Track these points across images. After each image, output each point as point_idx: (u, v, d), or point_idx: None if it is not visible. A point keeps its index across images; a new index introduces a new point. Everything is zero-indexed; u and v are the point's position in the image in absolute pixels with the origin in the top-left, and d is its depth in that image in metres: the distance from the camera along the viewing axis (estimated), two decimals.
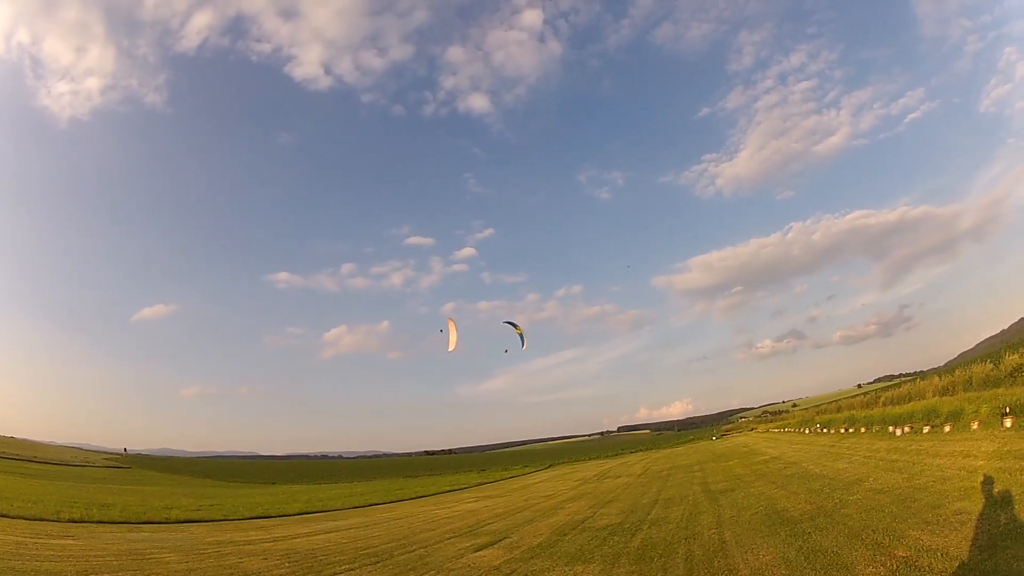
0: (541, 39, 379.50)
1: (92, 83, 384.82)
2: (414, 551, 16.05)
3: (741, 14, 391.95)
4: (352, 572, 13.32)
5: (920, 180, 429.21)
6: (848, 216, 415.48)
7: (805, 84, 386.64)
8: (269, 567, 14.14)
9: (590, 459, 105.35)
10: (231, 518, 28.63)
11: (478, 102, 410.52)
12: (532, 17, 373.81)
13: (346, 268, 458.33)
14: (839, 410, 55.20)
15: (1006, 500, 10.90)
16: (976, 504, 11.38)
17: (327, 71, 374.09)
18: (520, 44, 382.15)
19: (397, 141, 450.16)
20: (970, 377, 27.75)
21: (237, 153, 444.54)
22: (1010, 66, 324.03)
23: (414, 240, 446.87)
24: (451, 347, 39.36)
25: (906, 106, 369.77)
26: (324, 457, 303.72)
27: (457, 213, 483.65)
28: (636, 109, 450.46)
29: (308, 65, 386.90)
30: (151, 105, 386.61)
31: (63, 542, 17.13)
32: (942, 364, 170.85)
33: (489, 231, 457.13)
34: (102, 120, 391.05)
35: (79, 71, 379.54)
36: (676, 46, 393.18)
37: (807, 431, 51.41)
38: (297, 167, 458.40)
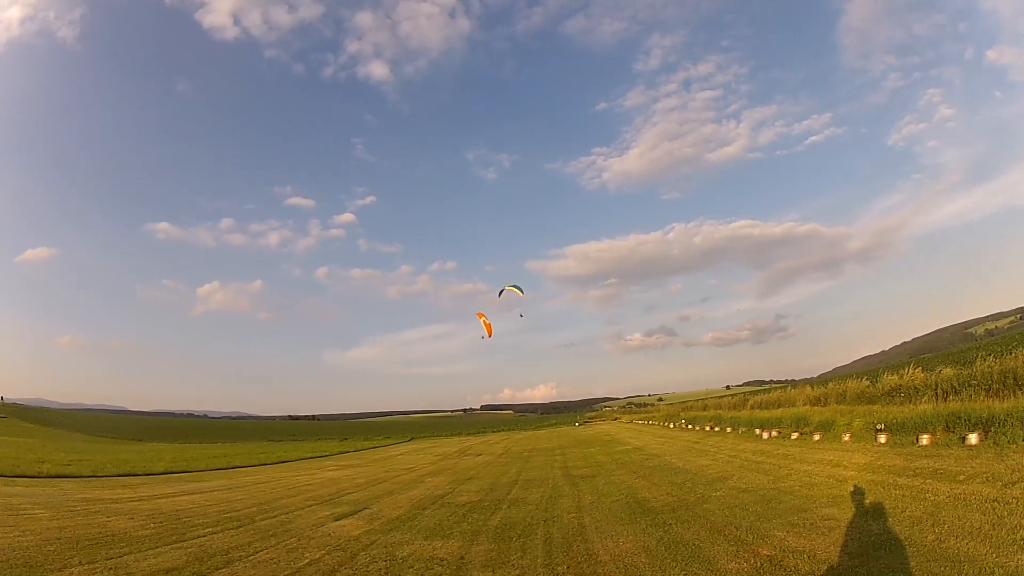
0: (452, 15, 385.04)
1: (14, 12, 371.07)
2: (276, 516, 16.71)
3: (656, 17, 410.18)
4: (215, 535, 13.70)
5: (812, 199, 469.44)
6: (733, 224, 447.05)
7: (709, 93, 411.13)
8: (135, 527, 14.57)
9: (452, 435, 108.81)
10: (99, 475, 29.83)
11: (378, 70, 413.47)
12: None
13: (225, 223, 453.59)
14: (705, 408, 58.38)
15: (879, 511, 11.39)
16: (846, 512, 11.91)
17: (236, 21, 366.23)
18: (430, 17, 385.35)
19: (292, 100, 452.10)
20: (844, 391, 29.57)
21: (135, 96, 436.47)
22: (931, 107, 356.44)
23: (295, 201, 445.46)
24: (488, 335, 41.42)
25: (809, 128, 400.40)
26: (190, 416, 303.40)
27: (341, 178, 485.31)
28: (534, 95, 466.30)
29: (218, 13, 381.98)
30: (62, 39, 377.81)
31: None
32: (815, 376, 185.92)
33: (371, 199, 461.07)
34: (14, 52, 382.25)
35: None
36: (585, 39, 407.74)
37: (672, 426, 53.85)
38: (191, 116, 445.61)
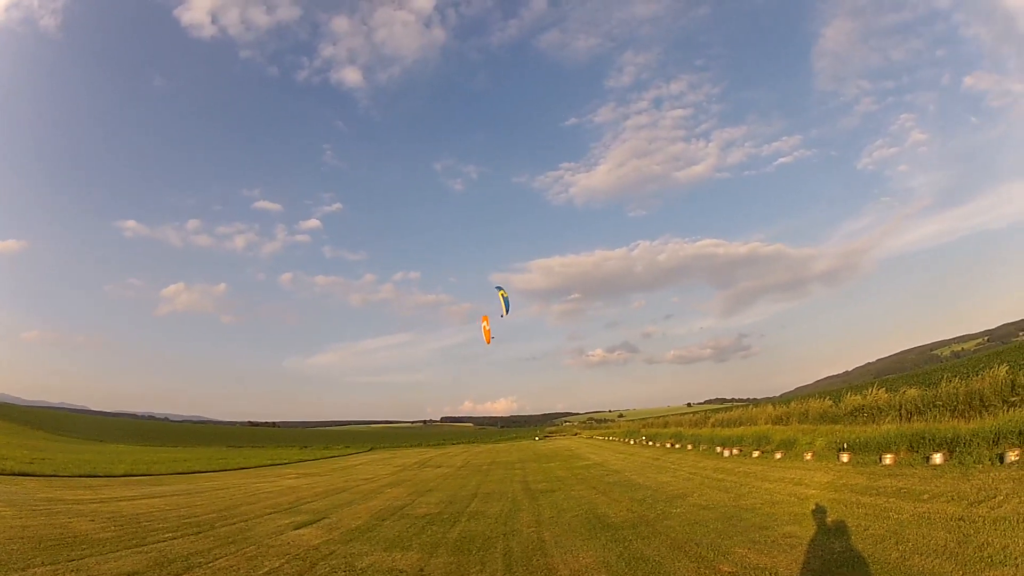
0: (427, 24, 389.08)
1: None
2: (235, 524, 16.74)
3: (631, 34, 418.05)
4: (175, 541, 13.78)
5: (779, 220, 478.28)
6: (698, 243, 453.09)
7: (679, 112, 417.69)
8: (96, 529, 14.72)
9: (411, 446, 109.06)
10: (61, 474, 30.24)
11: (351, 76, 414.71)
12: (424, 1, 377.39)
13: (192, 224, 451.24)
14: (666, 425, 58.73)
15: (841, 529, 11.44)
16: (807, 530, 11.94)
17: (214, 20, 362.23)
18: (406, 25, 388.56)
19: (264, 102, 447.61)
20: (806, 410, 29.88)
21: (112, 90, 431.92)
22: (904, 132, 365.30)
23: (262, 204, 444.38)
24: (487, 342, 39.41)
25: (779, 150, 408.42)
26: (151, 417, 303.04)
27: (309, 183, 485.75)
28: (504, 108, 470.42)
29: (197, 11, 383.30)
30: (44, 28, 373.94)
31: None
32: (777, 395, 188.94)
33: (337, 205, 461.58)
34: None
35: None
36: (559, 54, 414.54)
37: (632, 442, 54.06)
38: (165, 113, 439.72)
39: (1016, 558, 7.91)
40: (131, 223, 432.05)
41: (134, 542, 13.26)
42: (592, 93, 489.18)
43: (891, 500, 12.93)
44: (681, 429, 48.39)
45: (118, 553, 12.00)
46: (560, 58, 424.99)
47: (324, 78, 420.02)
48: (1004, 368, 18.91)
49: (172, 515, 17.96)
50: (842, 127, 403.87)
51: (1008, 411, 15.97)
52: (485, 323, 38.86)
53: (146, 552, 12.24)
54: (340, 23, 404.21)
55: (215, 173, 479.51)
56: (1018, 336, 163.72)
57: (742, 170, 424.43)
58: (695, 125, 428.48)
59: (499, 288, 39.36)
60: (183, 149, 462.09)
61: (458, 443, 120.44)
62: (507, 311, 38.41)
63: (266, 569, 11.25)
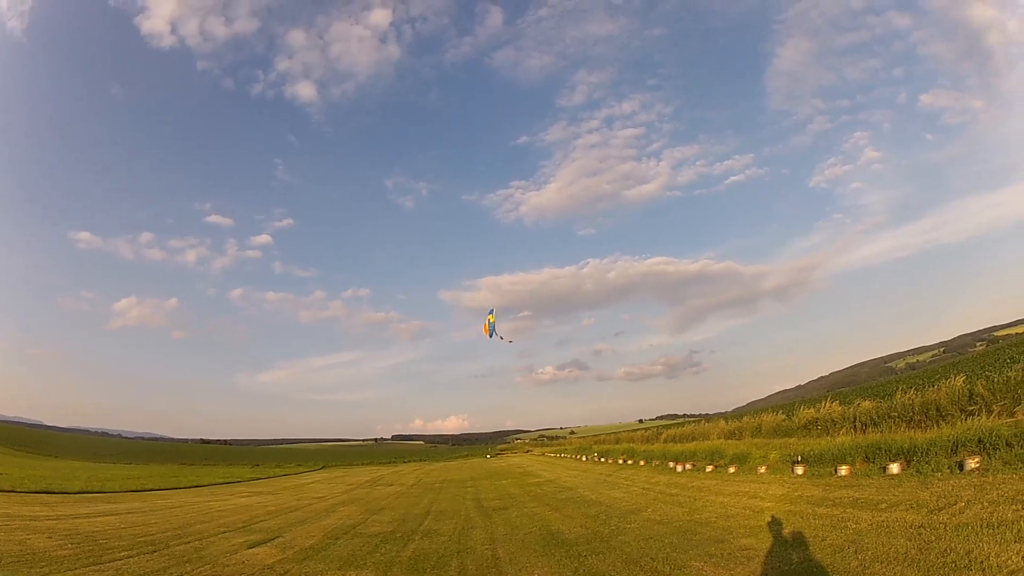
0: (383, 40, 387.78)
1: None
2: (190, 543, 16.78)
3: (585, 53, 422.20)
4: (131, 559, 13.82)
5: (730, 238, 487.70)
6: (648, 261, 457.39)
7: (631, 131, 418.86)
8: (54, 546, 14.87)
9: (363, 464, 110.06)
10: (17, 490, 31.02)
11: (305, 90, 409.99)
12: (381, 16, 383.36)
13: (145, 237, 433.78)
14: (618, 441, 58.92)
15: (798, 540, 11.42)
16: (764, 542, 11.93)
17: (173, 30, 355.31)
18: (361, 41, 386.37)
19: (219, 115, 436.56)
20: (759, 424, 30.22)
21: (71, 97, 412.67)
22: (857, 150, 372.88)
23: (214, 219, 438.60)
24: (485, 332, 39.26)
25: (730, 168, 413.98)
26: (104, 434, 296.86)
27: (261, 198, 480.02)
28: (457, 125, 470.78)
29: (158, 20, 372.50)
30: (11, 30, 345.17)
31: None
32: (729, 410, 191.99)
33: (288, 221, 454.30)
34: None
35: None
36: (512, 72, 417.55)
37: (584, 458, 54.03)
38: (122, 122, 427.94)
39: (982, 562, 7.89)
40: (85, 235, 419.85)
41: (91, 560, 13.35)
42: (544, 112, 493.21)
43: (848, 510, 12.98)
44: (633, 445, 48.47)
45: (76, 571, 12.14)
46: (513, 76, 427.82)
47: (279, 92, 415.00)
48: (961, 378, 19.26)
49: (127, 533, 18.03)
50: (795, 145, 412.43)
51: (966, 420, 16.21)
52: (491, 319, 38.72)
53: (103, 571, 12.34)
54: (296, 37, 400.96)
55: (168, 186, 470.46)
56: (975, 347, 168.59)
57: (693, 189, 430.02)
58: (646, 144, 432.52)
59: (490, 312, 39.36)
60: (138, 160, 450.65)
61: (409, 461, 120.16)
62: (491, 334, 38.33)
63: None
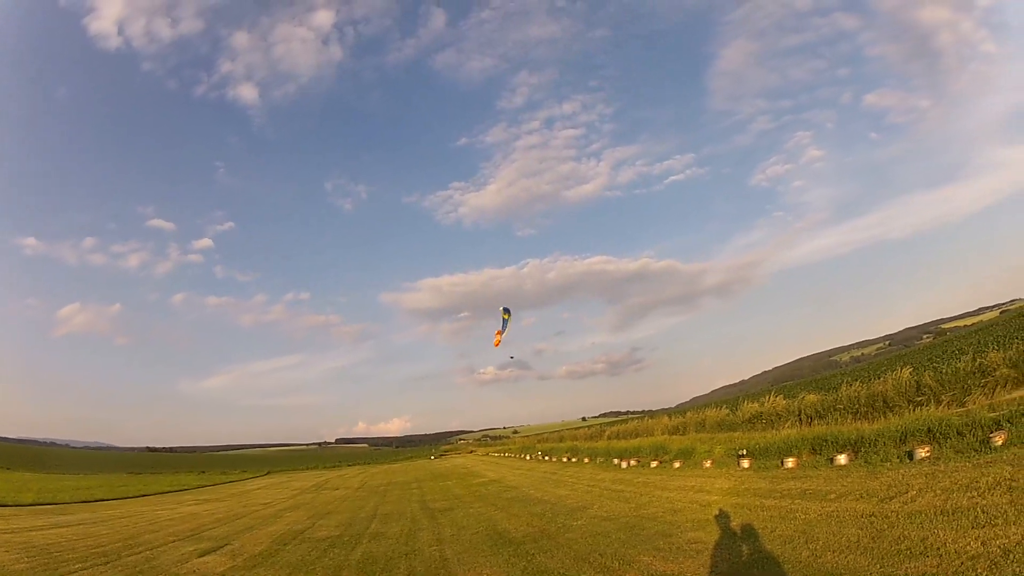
0: (325, 41, 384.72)
1: None
2: (141, 553, 16.97)
3: (526, 55, 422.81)
4: (85, 571, 14.06)
5: (670, 236, 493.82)
6: (588, 260, 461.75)
7: (571, 132, 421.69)
8: (11, 560, 15.32)
9: (308, 469, 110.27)
10: None
11: (248, 92, 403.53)
12: (324, 18, 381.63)
13: (89, 242, 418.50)
14: (562, 440, 59.28)
15: (748, 532, 11.44)
16: (712, 535, 11.93)
17: (120, 31, 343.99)
18: (304, 42, 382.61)
19: (162, 117, 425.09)
20: (703, 420, 30.55)
21: (17, 100, 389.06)
22: (800, 148, 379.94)
23: (156, 223, 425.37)
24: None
25: (670, 167, 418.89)
26: (53, 444, 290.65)
27: (202, 201, 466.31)
28: (396, 127, 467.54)
29: (105, 20, 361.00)
30: None
31: None
32: (673, 406, 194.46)
33: (229, 224, 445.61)
34: None
35: None
36: (453, 74, 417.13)
37: (528, 457, 54.03)
38: (67, 125, 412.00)
39: (939, 549, 7.92)
40: (31, 240, 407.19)
41: (47, 573, 13.74)
42: (485, 114, 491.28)
43: (797, 501, 13.08)
44: (577, 443, 48.73)
45: None
46: (454, 78, 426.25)
47: (221, 94, 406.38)
48: (907, 370, 19.65)
49: (80, 545, 18.30)
50: (736, 145, 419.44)
51: (914, 411, 16.50)
52: (504, 326, 38.23)
53: None
54: (240, 38, 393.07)
55: (112, 189, 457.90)
56: (921, 340, 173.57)
57: (633, 188, 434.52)
58: (586, 144, 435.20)
59: (506, 310, 38.80)
60: (83, 164, 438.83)
61: (354, 464, 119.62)
62: (504, 327, 37.88)
63: None
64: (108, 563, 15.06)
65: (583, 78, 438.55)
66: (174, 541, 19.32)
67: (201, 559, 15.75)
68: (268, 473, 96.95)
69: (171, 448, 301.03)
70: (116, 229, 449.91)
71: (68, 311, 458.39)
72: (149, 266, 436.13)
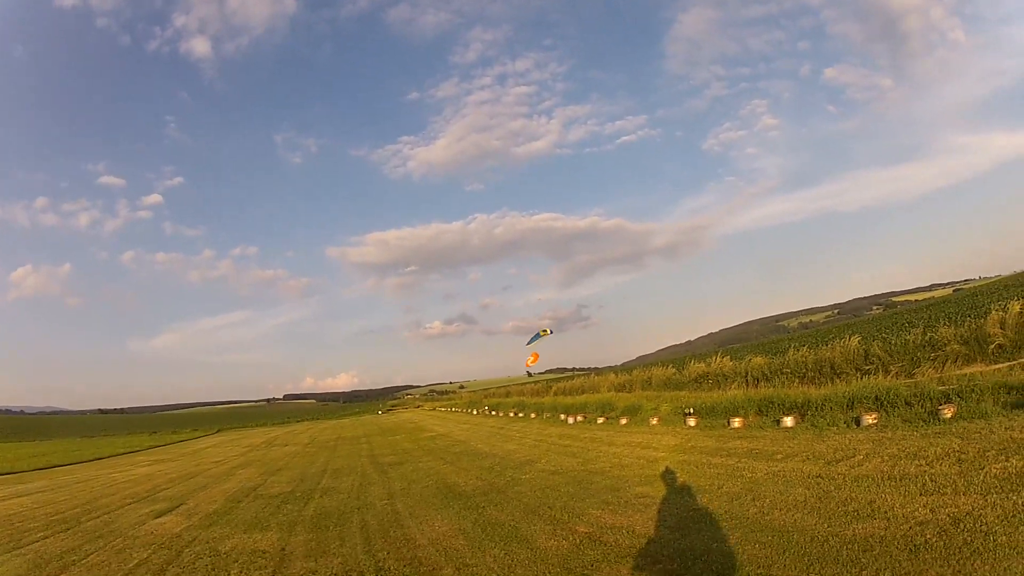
0: None
1: None
2: (99, 517, 17.22)
3: (481, 11, 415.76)
4: (47, 539, 14.28)
5: (619, 197, 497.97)
6: (536, 217, 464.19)
7: (523, 89, 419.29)
8: None
9: (257, 426, 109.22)
10: None
11: (200, 46, 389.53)
12: None
13: (40, 202, 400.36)
14: (508, 395, 59.88)
15: (695, 488, 11.72)
16: (659, 490, 12.24)
17: None
18: None
19: (114, 73, 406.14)
20: (650, 378, 31.12)
21: None
22: (754, 116, 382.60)
23: (107, 180, 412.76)
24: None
25: (622, 128, 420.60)
26: (7, 411, 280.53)
27: (153, 156, 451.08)
28: (347, 80, 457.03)
29: None
30: None
31: None
32: (619, 364, 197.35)
33: (179, 179, 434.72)
34: None
35: None
36: (406, 28, 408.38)
37: (475, 412, 54.26)
38: (22, 85, 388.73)
39: (886, 512, 8.17)
40: None
41: (11, 544, 13.89)
42: (436, 68, 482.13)
43: (743, 460, 13.37)
44: (523, 398, 49.10)
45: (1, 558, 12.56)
46: (407, 32, 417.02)
47: (174, 48, 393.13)
48: (856, 339, 20.14)
49: (40, 513, 18.67)
50: (690, 109, 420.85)
51: (862, 379, 16.89)
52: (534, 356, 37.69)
53: (23, 554, 12.73)
54: None
55: (61, 148, 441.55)
56: (871, 310, 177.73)
57: (583, 147, 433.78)
58: (538, 102, 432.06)
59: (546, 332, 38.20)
60: (38, 124, 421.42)
61: (302, 420, 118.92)
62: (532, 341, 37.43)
63: (136, 561, 11.50)
64: (69, 529, 15.37)
65: (537, 36, 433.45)
66: (130, 503, 19.57)
67: (158, 520, 16.01)
68: (218, 431, 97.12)
69: (122, 409, 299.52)
70: (67, 188, 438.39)
71: (20, 274, 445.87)
72: (99, 224, 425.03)
